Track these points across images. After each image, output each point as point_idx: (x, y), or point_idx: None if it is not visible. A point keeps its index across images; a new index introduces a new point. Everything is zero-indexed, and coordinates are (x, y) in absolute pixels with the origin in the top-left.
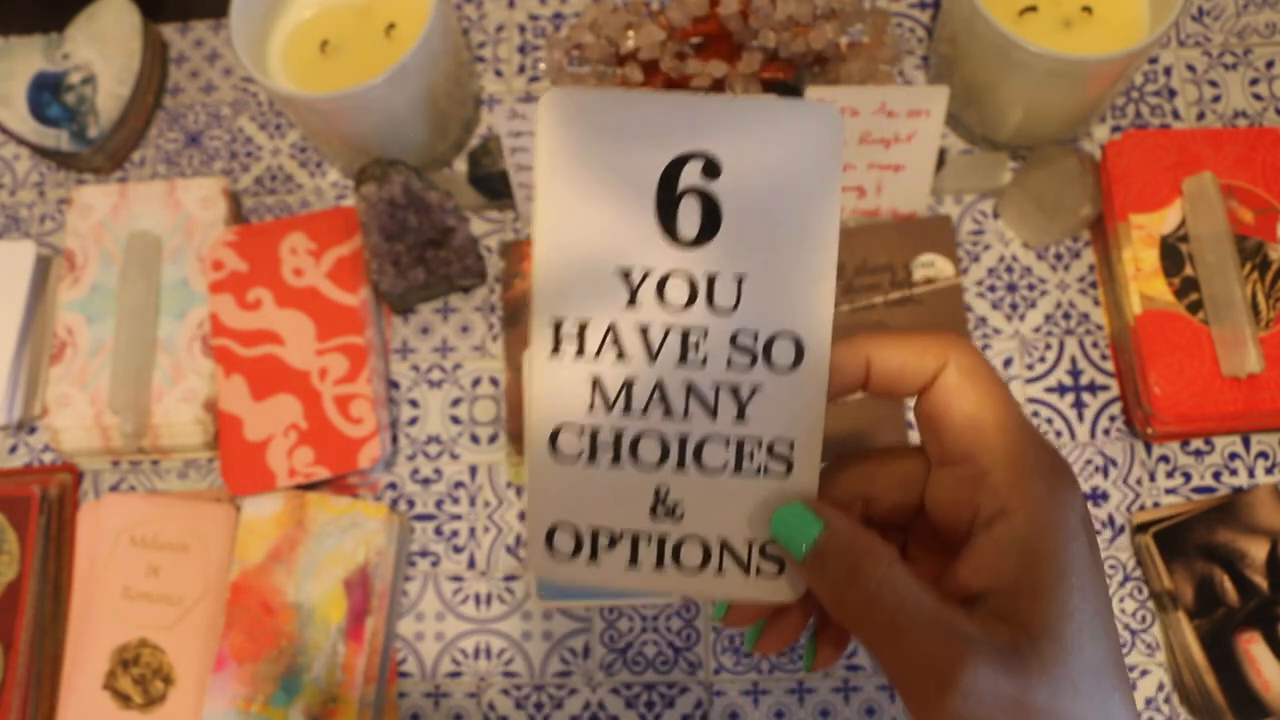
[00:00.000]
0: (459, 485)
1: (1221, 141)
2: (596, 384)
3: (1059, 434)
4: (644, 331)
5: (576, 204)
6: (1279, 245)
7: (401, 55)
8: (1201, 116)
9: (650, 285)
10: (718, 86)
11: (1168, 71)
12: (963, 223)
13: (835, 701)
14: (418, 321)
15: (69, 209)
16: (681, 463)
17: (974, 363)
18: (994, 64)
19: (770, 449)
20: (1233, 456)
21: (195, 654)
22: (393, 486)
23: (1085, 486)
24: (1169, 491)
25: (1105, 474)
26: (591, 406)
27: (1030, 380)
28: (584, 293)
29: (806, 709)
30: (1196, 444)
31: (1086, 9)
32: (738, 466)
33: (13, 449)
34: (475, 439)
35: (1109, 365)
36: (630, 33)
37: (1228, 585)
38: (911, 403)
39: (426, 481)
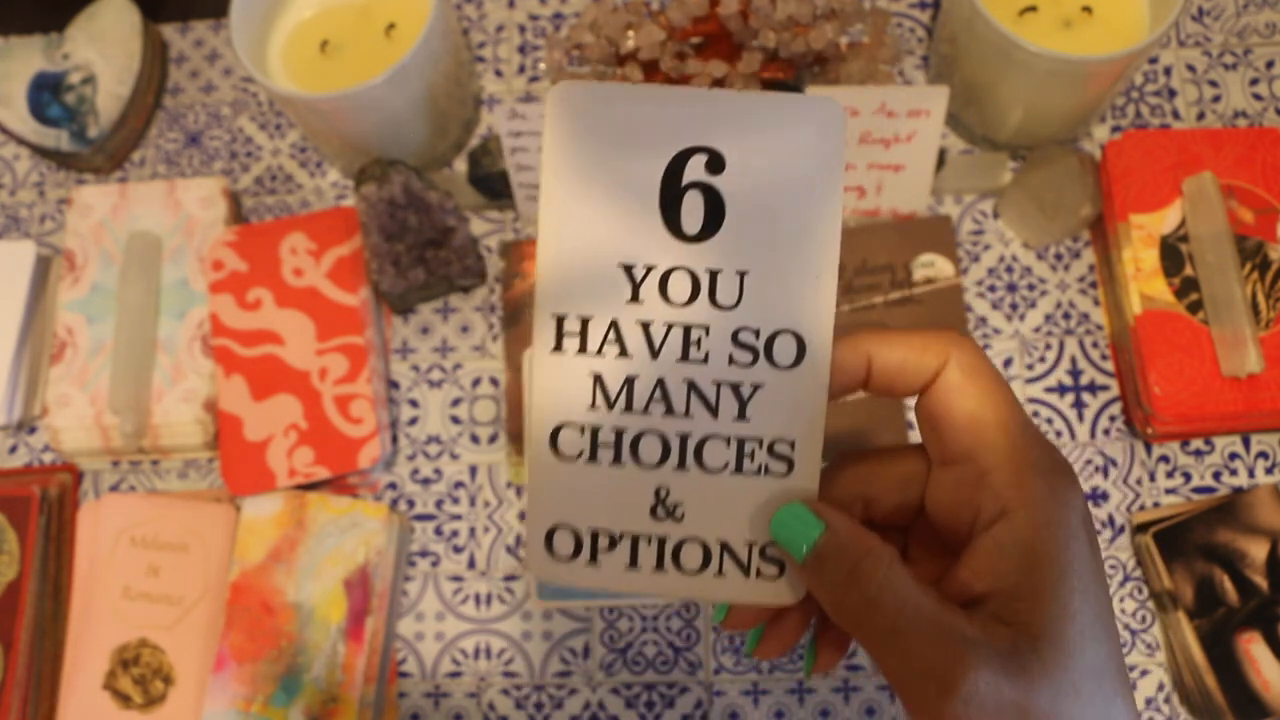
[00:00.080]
0: (459, 485)
1: (1221, 141)
2: (598, 381)
3: (1059, 434)
4: (646, 328)
5: (582, 198)
6: (1279, 245)
7: (401, 55)
8: (1201, 116)
9: (653, 281)
10: (718, 86)
11: (1168, 71)
12: (963, 223)
13: (835, 701)
14: (418, 321)
15: (69, 209)
16: (682, 462)
17: (976, 361)
18: (994, 64)
19: (771, 448)
20: (1233, 456)
21: (195, 654)
22: (393, 486)
23: (1085, 486)
24: (1169, 491)
25: (1105, 474)
26: (593, 404)
27: (1030, 380)
28: (587, 288)
29: (806, 709)
30: (1196, 444)
31: (1086, 9)
32: (738, 466)
33: (13, 449)
34: (475, 439)
35: (1109, 365)
36: (630, 33)
37: (1228, 585)
38: (912, 402)
39: (426, 481)
